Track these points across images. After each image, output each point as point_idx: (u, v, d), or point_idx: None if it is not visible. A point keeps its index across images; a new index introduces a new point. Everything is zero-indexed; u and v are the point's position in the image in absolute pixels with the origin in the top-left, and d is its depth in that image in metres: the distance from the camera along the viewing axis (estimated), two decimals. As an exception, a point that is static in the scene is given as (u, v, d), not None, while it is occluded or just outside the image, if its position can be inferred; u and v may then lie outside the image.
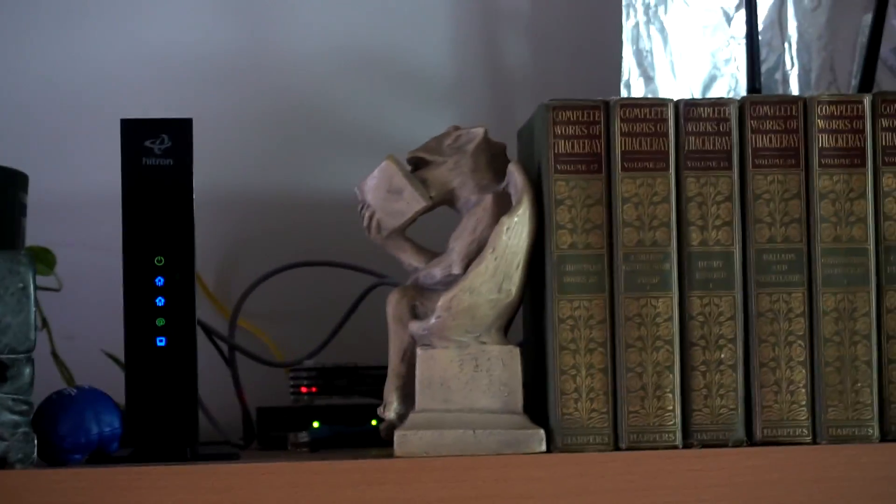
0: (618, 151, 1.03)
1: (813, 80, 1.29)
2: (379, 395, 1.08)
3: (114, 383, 1.08)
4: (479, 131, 1.06)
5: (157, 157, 1.05)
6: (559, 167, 1.03)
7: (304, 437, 1.13)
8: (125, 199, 1.04)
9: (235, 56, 1.32)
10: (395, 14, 1.33)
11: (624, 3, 1.28)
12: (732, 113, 1.04)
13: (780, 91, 1.29)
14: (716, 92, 1.29)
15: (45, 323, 1.17)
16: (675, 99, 1.04)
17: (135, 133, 1.04)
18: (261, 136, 1.32)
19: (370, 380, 1.20)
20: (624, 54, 1.28)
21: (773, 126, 1.04)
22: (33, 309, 1.00)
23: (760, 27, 1.29)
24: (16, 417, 0.99)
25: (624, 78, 1.28)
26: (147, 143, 1.04)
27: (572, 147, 1.03)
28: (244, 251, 1.31)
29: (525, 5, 1.35)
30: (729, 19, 1.29)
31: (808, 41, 1.30)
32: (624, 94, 1.28)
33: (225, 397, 1.24)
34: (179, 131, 1.05)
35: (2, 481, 0.96)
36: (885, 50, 1.29)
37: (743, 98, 1.04)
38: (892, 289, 1.04)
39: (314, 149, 1.33)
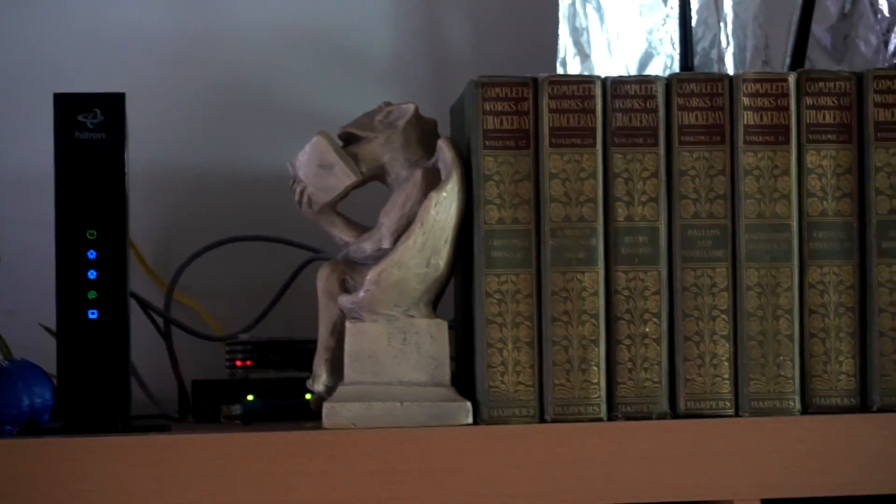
0: (546, 128, 1.04)
1: (748, 59, 1.30)
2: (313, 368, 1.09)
3: (53, 357, 1.09)
4: (410, 107, 1.07)
5: (89, 132, 1.05)
6: (488, 143, 1.04)
7: (237, 409, 1.14)
8: (58, 173, 1.05)
9: (172, 32, 1.33)
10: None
11: (560, -19, 1.29)
12: (659, 90, 1.05)
13: (716, 70, 1.30)
14: (652, 70, 1.30)
15: (-19, 296, 1.18)
16: (602, 76, 1.05)
17: (67, 107, 1.05)
18: (198, 113, 1.33)
19: (305, 354, 1.21)
20: (560, 32, 1.29)
21: (699, 103, 1.05)
22: (-35, 281, 1.00)
23: (696, 6, 1.30)
24: (-53, 389, 1.00)
25: (560, 56, 1.29)
26: (80, 118, 1.05)
27: (501, 123, 1.04)
28: (182, 226, 1.32)
29: (463, -17, 1.36)
30: (665, -2, 1.30)
31: (744, 20, 1.31)
32: (560, 71, 1.29)
33: (161, 371, 1.25)
34: (112, 106, 1.05)
35: (-68, 452, 0.97)
36: (819, 29, 1.30)
37: (670, 76, 1.06)
38: (814, 264, 1.05)
39: (251, 125, 1.33)
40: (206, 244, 1.28)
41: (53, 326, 1.22)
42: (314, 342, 1.12)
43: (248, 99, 1.33)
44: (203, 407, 1.20)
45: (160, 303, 1.27)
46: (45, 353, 1.12)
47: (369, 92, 1.33)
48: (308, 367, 1.14)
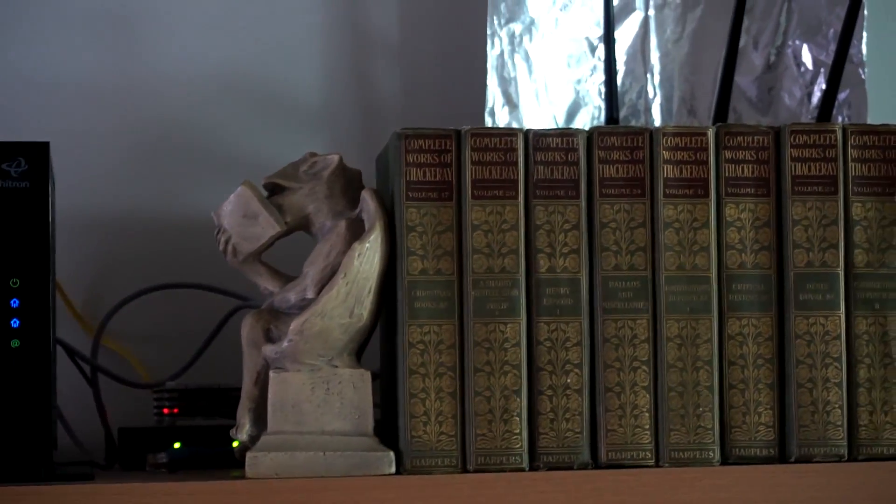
0: (468, 180, 1.05)
1: (675, 110, 1.33)
2: (240, 416, 1.09)
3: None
4: (335, 158, 1.08)
5: (13, 180, 1.05)
6: (411, 194, 1.05)
7: (162, 457, 1.14)
8: (-19, 221, 1.05)
9: (102, 79, 1.33)
10: (265, 40, 1.35)
11: (489, 32, 1.31)
12: (581, 143, 1.06)
13: (643, 121, 1.32)
14: (580, 120, 1.32)
15: None
16: (525, 129, 1.06)
17: (-8, 156, 1.05)
18: (126, 158, 1.33)
19: (233, 401, 1.20)
20: (488, 82, 1.31)
21: (620, 156, 1.07)
22: None
23: (624, 57, 1.32)
24: None
25: (488, 106, 1.30)
26: (4, 167, 1.05)
27: (424, 175, 1.05)
28: (111, 273, 1.32)
29: (394, 35, 1.37)
30: (593, 49, 1.32)
31: (671, 71, 1.33)
32: (488, 122, 1.30)
33: (89, 418, 1.25)
34: (37, 154, 1.06)
35: None
36: (745, 80, 1.33)
37: (591, 128, 1.07)
38: (733, 316, 1.07)
39: (180, 172, 1.33)
40: (134, 290, 1.28)
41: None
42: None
43: (176, 145, 1.33)
44: (130, 454, 1.20)
45: (88, 349, 1.27)
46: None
47: (297, 140, 1.34)
48: (235, 414, 1.14)
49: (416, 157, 1.05)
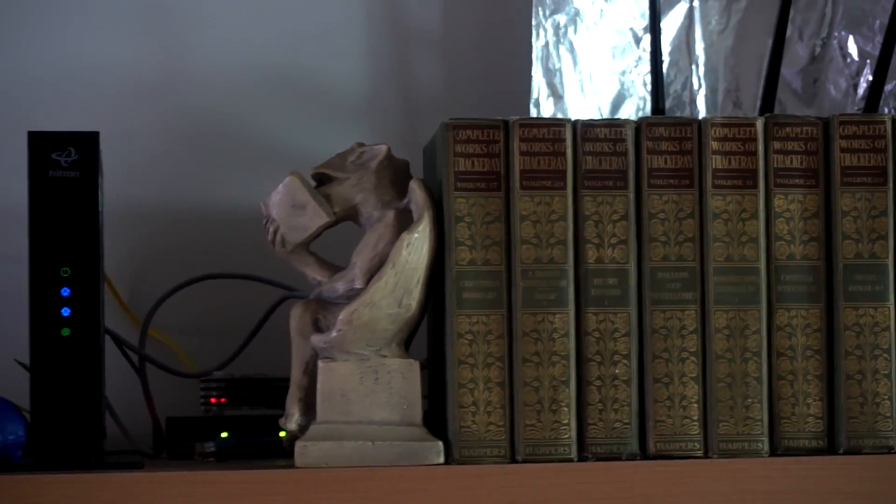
0: (517, 170, 1.05)
1: (719, 102, 1.32)
2: (287, 406, 1.10)
3: (25, 392, 1.09)
4: (382, 148, 1.08)
5: (63, 170, 1.06)
6: (459, 185, 1.05)
7: (210, 447, 1.15)
8: (31, 210, 1.05)
9: (146, 70, 1.33)
10: (308, 31, 1.35)
11: (534, 23, 1.31)
12: (629, 134, 1.06)
13: (688, 112, 1.32)
14: (624, 112, 1.31)
15: (-45, 331, 1.18)
16: (573, 119, 1.06)
17: (41, 146, 1.06)
18: (173, 150, 1.33)
19: (279, 391, 1.21)
20: (533, 73, 1.31)
21: (668, 147, 1.06)
22: (-62, 318, 1.01)
23: (668, 48, 1.32)
24: (-81, 426, 1.00)
25: (533, 97, 1.30)
26: (54, 156, 1.06)
27: (472, 165, 1.05)
28: (158, 263, 1.32)
29: (436, 24, 1.37)
30: (638, 40, 1.32)
31: (715, 63, 1.32)
32: (533, 113, 1.30)
33: (136, 407, 1.25)
34: (86, 144, 1.06)
35: None
36: (789, 72, 1.32)
37: (640, 119, 1.07)
38: (782, 307, 1.07)
39: (226, 163, 1.34)
40: (180, 281, 1.29)
41: (26, 361, 1.23)
42: (288, 380, 1.12)
43: (223, 137, 1.34)
44: (177, 444, 1.20)
45: (134, 339, 1.28)
46: (17, 388, 1.12)
47: (341, 131, 1.34)
48: (282, 404, 1.14)
49: (465, 148, 1.05)
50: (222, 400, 1.23)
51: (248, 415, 1.22)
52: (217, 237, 1.32)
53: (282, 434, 1.14)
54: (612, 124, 1.06)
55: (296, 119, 1.35)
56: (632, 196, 1.06)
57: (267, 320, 1.27)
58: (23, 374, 1.21)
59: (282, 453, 1.11)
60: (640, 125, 1.07)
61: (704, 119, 1.07)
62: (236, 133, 1.34)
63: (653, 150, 1.06)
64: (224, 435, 1.19)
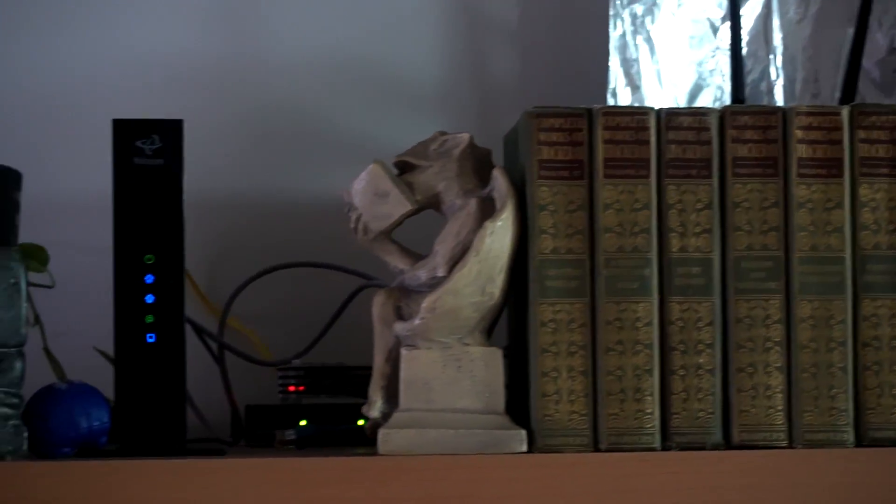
0: (600, 158, 1.05)
1: (797, 92, 1.31)
2: (365, 394, 1.09)
3: (104, 380, 1.10)
4: (465, 136, 1.08)
5: (147, 158, 1.06)
6: (542, 173, 1.05)
7: (290, 434, 1.15)
8: (116, 197, 1.06)
9: (225, 61, 1.34)
10: (384, 22, 1.35)
11: (611, 13, 1.30)
12: (713, 122, 1.06)
13: (766, 102, 1.31)
14: (701, 102, 1.31)
15: (37, 319, 1.19)
16: (656, 108, 1.06)
17: (126, 133, 1.06)
18: (251, 140, 1.34)
19: (357, 379, 1.22)
20: (611, 63, 1.30)
21: (752, 136, 1.06)
22: (24, 304, 1.02)
23: (746, 38, 1.31)
24: (6, 410, 1.01)
25: (610, 86, 1.30)
26: (138, 144, 1.06)
27: (555, 154, 1.05)
28: (235, 252, 1.33)
29: (512, 14, 1.37)
30: (715, 30, 1.31)
31: (793, 53, 1.32)
32: (611, 102, 1.30)
33: (214, 395, 1.26)
34: (170, 132, 1.07)
35: (-9, 473, 0.99)
36: (869, 62, 1.31)
37: (723, 108, 1.06)
38: (867, 297, 1.06)
39: (303, 153, 1.34)
40: (256, 270, 1.29)
41: (106, 349, 1.23)
42: (366, 368, 1.13)
43: (301, 127, 1.34)
44: (256, 432, 1.21)
45: (212, 328, 1.28)
46: (97, 376, 1.13)
47: (417, 121, 1.34)
48: (360, 392, 1.15)
49: (548, 136, 1.05)
50: (300, 388, 1.23)
51: (327, 403, 1.22)
52: (295, 226, 1.33)
53: (360, 422, 1.14)
54: (696, 112, 1.06)
55: (373, 109, 1.35)
56: (716, 185, 1.06)
57: (345, 309, 1.28)
58: (101, 360, 1.21)
59: (361, 441, 1.12)
60: (724, 114, 1.06)
61: (789, 107, 1.06)
62: (315, 123, 1.34)
63: (737, 138, 1.06)
64: (303, 423, 1.19)
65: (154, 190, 1.06)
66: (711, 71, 1.31)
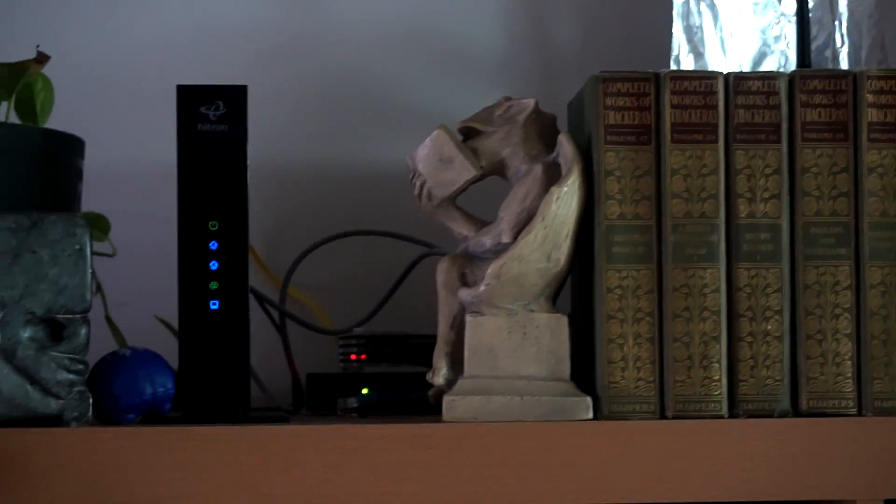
0: (667, 123, 1.04)
1: (863, 58, 1.30)
2: (427, 363, 1.09)
3: (164, 349, 1.10)
4: (530, 102, 1.07)
5: (211, 124, 1.06)
6: (609, 138, 1.04)
7: (352, 402, 1.14)
8: (180, 164, 1.06)
9: (287, 29, 1.34)
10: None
11: (675, -22, 1.29)
12: (782, 87, 1.05)
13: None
14: (765, 68, 1.29)
15: (99, 288, 1.19)
16: (724, 72, 1.05)
17: (190, 99, 1.06)
18: (311, 108, 1.34)
19: (418, 348, 1.22)
20: (674, 30, 1.29)
21: (822, 100, 1.05)
22: (89, 271, 1.01)
23: (811, 4, 1.30)
24: (71, 376, 1.01)
25: (674, 53, 1.29)
26: (202, 110, 1.06)
27: (622, 118, 1.04)
28: (294, 221, 1.33)
29: (575, -19, 1.36)
30: (779, -4, 1.30)
31: (859, 19, 1.30)
32: (674, 68, 1.28)
33: (274, 364, 1.26)
34: (234, 98, 1.06)
35: (57, 439, 0.98)
36: (935, 29, 1.30)
37: (793, 72, 1.05)
38: (939, 263, 1.05)
39: (364, 120, 1.34)
40: (315, 239, 1.29)
41: (166, 318, 1.23)
42: (428, 337, 1.12)
43: (362, 95, 1.34)
44: (317, 400, 1.20)
45: (272, 297, 1.28)
46: (157, 346, 1.13)
47: (479, 88, 1.33)
48: (421, 361, 1.14)
49: (615, 101, 1.04)
50: (362, 357, 1.22)
51: (388, 372, 1.22)
52: (356, 195, 1.32)
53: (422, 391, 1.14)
54: (766, 77, 1.05)
55: (436, 76, 1.34)
56: (785, 150, 1.04)
57: (406, 277, 1.27)
58: (163, 331, 1.21)
59: (423, 410, 1.11)
60: (793, 78, 1.05)
61: (860, 72, 1.05)
62: (375, 91, 1.34)
63: (806, 103, 1.04)
64: (365, 391, 1.19)
65: (218, 156, 1.06)
66: (776, 37, 1.30)
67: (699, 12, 1.30)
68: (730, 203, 1.04)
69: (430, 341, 1.16)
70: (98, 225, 1.19)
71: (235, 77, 1.18)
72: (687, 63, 1.29)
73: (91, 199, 1.20)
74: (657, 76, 1.04)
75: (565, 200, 1.04)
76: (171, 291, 1.07)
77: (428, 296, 1.10)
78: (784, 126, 1.04)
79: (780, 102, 1.04)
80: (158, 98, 1.19)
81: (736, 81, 1.04)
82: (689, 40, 1.30)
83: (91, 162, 1.17)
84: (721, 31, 1.30)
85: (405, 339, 1.23)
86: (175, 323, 1.08)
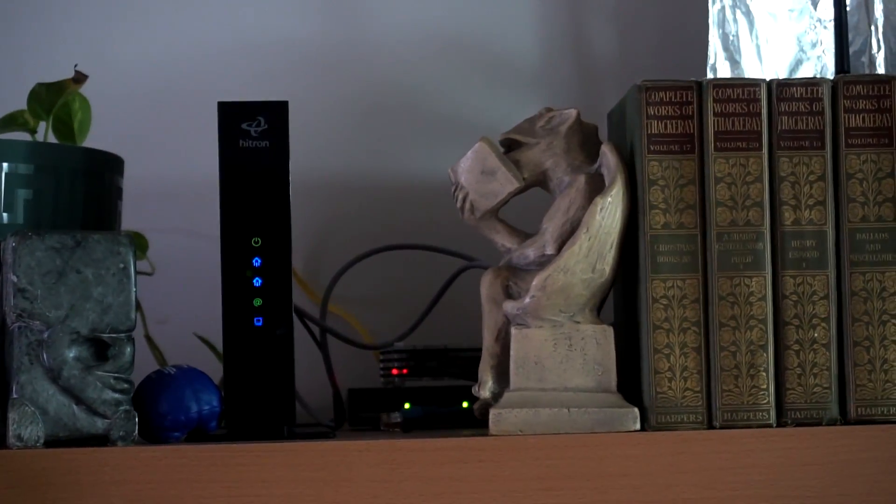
0: (710, 131, 1.04)
1: (899, 63, 1.29)
2: (469, 376, 1.08)
3: (203, 366, 1.09)
4: (572, 112, 1.07)
5: (253, 140, 1.06)
6: (652, 147, 1.04)
7: (396, 417, 1.14)
8: (222, 180, 1.05)
9: (328, 43, 1.34)
10: (484, 1, 1.34)
11: (710, -13, 1.29)
12: (825, 93, 1.04)
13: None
14: (802, 75, 1.29)
15: (138, 306, 1.19)
16: (767, 79, 1.04)
17: (232, 116, 1.06)
18: (351, 122, 1.33)
19: (460, 361, 1.21)
20: (710, 38, 1.29)
21: (865, 105, 1.04)
22: (134, 289, 1.01)
23: (847, 10, 1.29)
24: (117, 396, 1.01)
25: (710, 62, 1.28)
26: (244, 126, 1.06)
27: (665, 127, 1.04)
28: (333, 235, 1.32)
29: (611, -9, 1.36)
30: (815, 3, 1.29)
31: (895, 24, 1.30)
32: (710, 77, 1.28)
33: (315, 380, 1.26)
34: (276, 114, 1.06)
35: (104, 458, 0.98)
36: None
37: (836, 77, 1.05)
38: None
39: (404, 133, 1.34)
40: (355, 253, 1.28)
41: (205, 335, 1.23)
42: (469, 350, 1.12)
43: (401, 108, 1.33)
44: (359, 415, 1.20)
45: (311, 313, 1.27)
46: (196, 363, 1.13)
47: (519, 99, 1.33)
48: (463, 374, 1.14)
49: (657, 110, 1.04)
50: (404, 371, 1.22)
51: (430, 386, 1.21)
52: (395, 208, 1.32)
53: (465, 404, 1.13)
54: (809, 83, 1.04)
55: (474, 88, 1.34)
56: (829, 156, 1.04)
57: (446, 291, 1.27)
58: (202, 348, 1.21)
59: (467, 423, 1.11)
60: (836, 84, 1.04)
61: (904, 76, 1.04)
62: (415, 103, 1.34)
63: (850, 108, 1.04)
64: (407, 406, 1.18)
65: (260, 172, 1.06)
66: (812, 44, 1.29)
67: (735, 20, 1.30)
68: (774, 210, 1.04)
69: (470, 354, 1.16)
70: (137, 243, 1.19)
71: (275, 92, 1.19)
72: (723, 71, 1.29)
73: (129, 216, 1.20)
74: (699, 84, 1.04)
75: (610, 211, 1.03)
76: (209, 308, 1.07)
77: (468, 309, 1.10)
78: (828, 132, 1.04)
79: (823, 108, 1.04)
80: (196, 114, 1.19)
81: (779, 88, 1.04)
82: (726, 48, 1.29)
83: (130, 178, 1.17)
84: (757, 38, 1.30)
85: (446, 353, 1.22)
86: (212, 339, 1.08)
